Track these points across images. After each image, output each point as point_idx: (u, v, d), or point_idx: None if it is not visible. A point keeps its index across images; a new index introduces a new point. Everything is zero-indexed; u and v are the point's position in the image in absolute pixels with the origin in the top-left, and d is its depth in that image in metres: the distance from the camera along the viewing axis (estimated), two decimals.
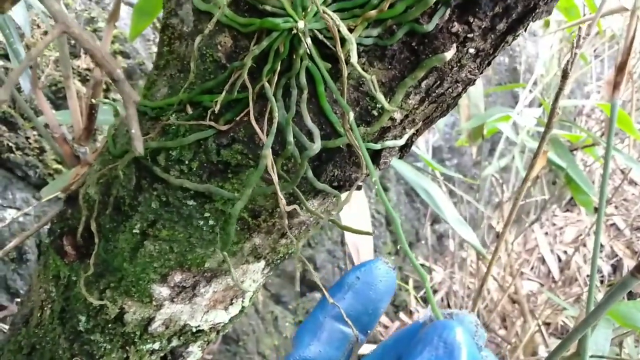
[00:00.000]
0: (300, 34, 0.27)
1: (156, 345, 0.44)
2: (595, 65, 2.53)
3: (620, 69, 0.71)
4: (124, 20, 1.21)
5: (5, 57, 1.04)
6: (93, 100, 0.44)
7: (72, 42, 1.06)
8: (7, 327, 0.98)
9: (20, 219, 1.11)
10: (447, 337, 0.23)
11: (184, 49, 0.34)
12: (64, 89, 1.11)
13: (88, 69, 1.18)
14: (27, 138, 1.11)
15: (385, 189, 1.83)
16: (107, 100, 0.45)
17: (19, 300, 1.07)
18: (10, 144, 1.09)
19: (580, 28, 0.46)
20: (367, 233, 0.29)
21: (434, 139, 2.04)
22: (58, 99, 1.11)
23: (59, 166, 1.13)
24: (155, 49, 1.33)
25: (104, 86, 1.15)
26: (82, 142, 0.56)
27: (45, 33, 1.12)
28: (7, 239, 1.07)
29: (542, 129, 1.20)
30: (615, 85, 0.71)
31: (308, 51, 0.28)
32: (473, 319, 0.25)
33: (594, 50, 2.38)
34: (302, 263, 1.45)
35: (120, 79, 0.23)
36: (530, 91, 1.73)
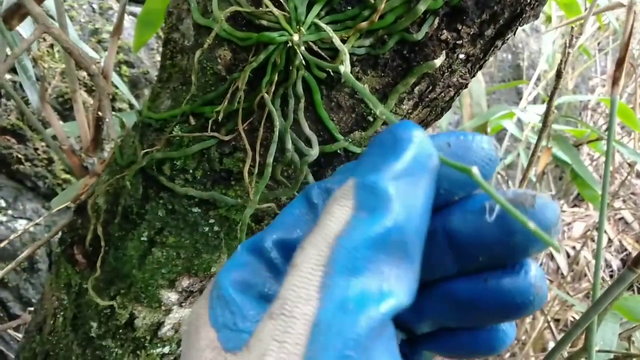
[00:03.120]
0: (295, 47, 0.28)
1: (166, 349, 0.46)
2: (600, 59, 2.52)
3: (619, 64, 0.72)
4: (127, 31, 1.23)
5: (14, 70, 1.07)
6: (99, 113, 0.46)
7: None
8: (20, 335, 1.00)
9: (31, 229, 1.13)
10: (397, 132, 0.19)
11: (185, 62, 0.36)
12: (71, 101, 1.13)
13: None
14: (36, 149, 1.13)
15: None
16: (112, 113, 0.46)
17: (31, 309, 1.09)
18: (20, 156, 1.11)
19: (572, 28, 0.47)
20: None
21: None
22: (65, 110, 1.13)
23: (68, 176, 1.15)
24: (159, 58, 1.35)
25: (110, 96, 1.16)
26: (90, 153, 0.58)
27: (51, 46, 1.15)
28: (18, 249, 1.09)
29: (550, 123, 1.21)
30: (615, 81, 0.71)
31: (303, 62, 0.29)
32: (557, 208, 0.19)
33: (598, 44, 2.37)
34: None
35: (95, 73, 0.25)
36: (535, 86, 1.73)
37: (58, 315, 0.49)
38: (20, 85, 0.97)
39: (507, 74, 2.47)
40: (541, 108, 1.46)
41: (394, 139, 0.19)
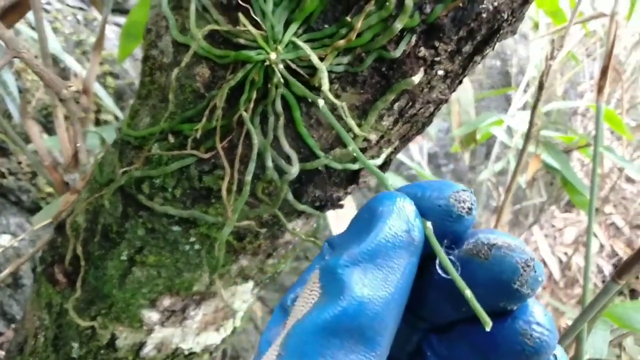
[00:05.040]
0: (273, 65, 0.28)
1: None
2: (588, 64, 2.54)
3: (603, 73, 0.73)
4: (112, 42, 1.22)
5: None
6: (80, 130, 0.45)
7: (62, 65, 1.07)
8: (3, 353, 0.98)
9: (15, 243, 1.12)
10: (373, 207, 0.19)
11: (164, 79, 0.35)
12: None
13: (77, 91, 1.19)
14: (19, 163, 1.12)
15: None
16: (93, 130, 0.46)
17: (14, 326, 1.07)
18: (3, 170, 1.10)
19: (553, 40, 0.47)
20: None
21: (428, 146, 2.05)
22: (49, 123, 1.11)
23: (52, 190, 1.14)
24: None
25: (95, 107, 1.16)
26: (71, 169, 0.57)
27: (35, 57, 1.14)
28: (1, 265, 1.07)
29: (536, 132, 1.21)
30: (599, 89, 0.72)
31: (282, 80, 0.29)
32: (520, 257, 0.18)
33: (586, 50, 2.40)
34: (298, 275, 1.45)
35: (67, 98, 0.24)
36: (524, 92, 1.74)
37: (39, 335, 0.48)
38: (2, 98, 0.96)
39: (496, 80, 2.48)
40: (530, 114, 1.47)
41: (370, 215, 0.19)
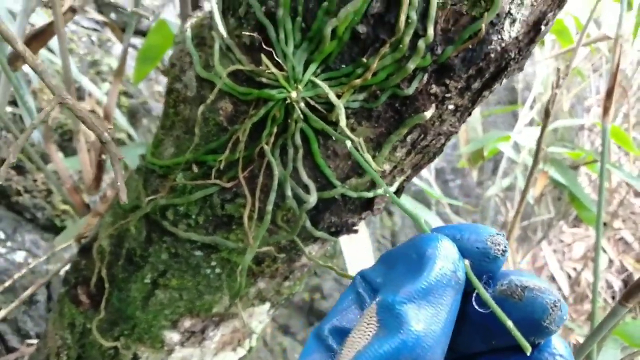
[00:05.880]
0: (294, 103, 0.30)
1: None
2: (594, 79, 2.56)
3: (609, 94, 0.74)
4: (127, 62, 1.25)
5: (13, 103, 1.08)
6: (102, 156, 0.47)
7: (77, 85, 1.10)
8: None
9: (29, 259, 1.13)
10: (422, 247, 0.21)
11: (188, 112, 0.37)
12: (70, 132, 1.15)
13: (92, 111, 1.22)
14: (35, 181, 1.14)
15: (390, 213, 1.85)
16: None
17: (29, 341, 1.09)
18: (19, 188, 1.12)
19: (559, 70, 0.49)
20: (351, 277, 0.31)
21: (436, 161, 2.06)
22: (64, 142, 1.14)
23: (67, 207, 1.16)
24: (157, 88, 1.37)
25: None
26: (92, 191, 0.59)
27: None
28: (17, 281, 1.09)
29: (544, 148, 1.22)
30: (605, 110, 0.73)
31: (301, 116, 0.31)
32: (550, 299, 0.20)
33: (592, 65, 2.41)
34: (309, 292, 1.46)
35: (108, 140, 0.26)
36: (531, 108, 1.76)
37: (62, 355, 0.49)
38: (20, 117, 0.99)
39: (503, 96, 2.50)
40: (537, 131, 1.48)
41: (418, 256, 0.20)
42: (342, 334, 0.23)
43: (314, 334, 0.23)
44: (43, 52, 0.96)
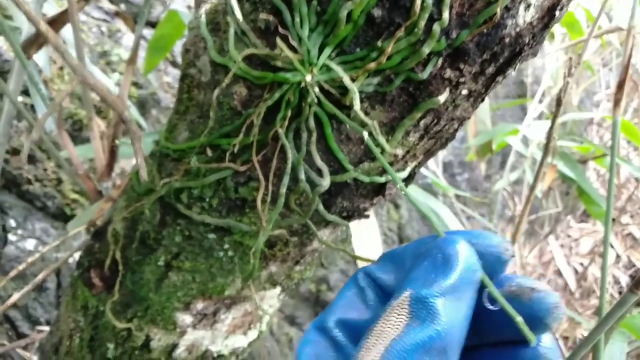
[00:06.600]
0: (308, 86, 0.30)
1: None
2: (604, 73, 2.53)
3: (620, 86, 0.74)
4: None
5: (26, 93, 1.09)
6: (117, 142, 0.48)
7: None
8: (29, 354, 1.01)
9: (40, 247, 1.15)
10: (446, 249, 0.23)
11: (202, 97, 0.38)
12: (80, 122, 1.16)
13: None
14: (45, 170, 1.15)
15: (397, 206, 1.85)
16: (124, 140, 0.48)
17: (40, 328, 1.10)
18: (30, 176, 1.13)
19: (571, 58, 0.49)
20: (372, 261, 0.32)
21: (443, 155, 2.06)
22: (74, 131, 1.15)
23: (77, 196, 1.17)
24: (166, 79, 1.38)
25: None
26: (104, 178, 0.60)
27: (61, 68, 1.18)
28: (28, 269, 1.10)
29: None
30: (616, 102, 0.73)
31: (315, 100, 0.31)
32: (553, 300, 0.23)
33: (602, 59, 2.39)
34: (315, 284, 1.47)
35: (128, 119, 0.27)
36: (540, 102, 1.75)
37: (74, 337, 0.50)
38: (32, 106, 1.00)
39: (511, 90, 2.48)
40: (545, 124, 1.47)
41: (443, 256, 0.23)
42: (348, 326, 0.25)
43: (315, 326, 0.26)
44: None
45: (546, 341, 0.24)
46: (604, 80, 2.68)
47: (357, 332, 0.25)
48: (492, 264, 0.24)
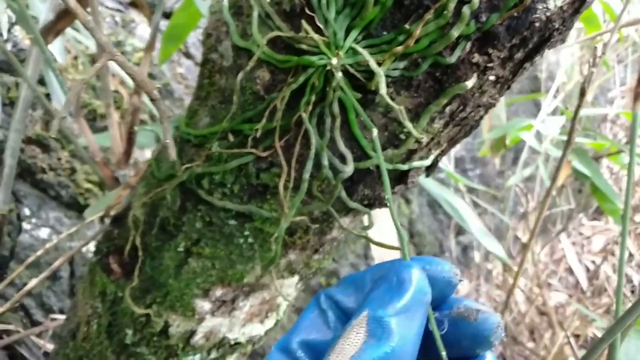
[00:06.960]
0: (333, 70, 0.30)
1: (197, 357, 0.47)
2: (619, 70, 2.50)
3: None
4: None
5: (41, 82, 1.10)
6: (135, 128, 0.48)
7: None
8: (42, 342, 1.02)
9: (53, 236, 1.16)
10: (401, 273, 0.26)
11: (224, 82, 0.37)
12: (94, 111, 1.16)
13: (116, 91, 1.23)
14: (59, 159, 1.16)
15: (408, 201, 1.84)
16: (148, 128, 0.48)
17: (53, 316, 1.11)
18: (44, 166, 1.14)
19: (595, 48, 0.48)
20: (397, 248, 0.32)
21: (456, 150, 2.04)
22: (89, 121, 1.15)
23: (90, 186, 1.18)
24: (179, 70, 1.38)
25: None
26: (122, 165, 0.60)
27: (75, 58, 1.18)
28: (41, 257, 1.11)
29: (565, 137, 1.21)
30: (636, 96, 0.72)
31: (340, 84, 0.31)
32: (496, 320, 0.26)
33: (617, 56, 2.35)
34: (326, 277, 1.47)
35: (157, 98, 0.27)
36: (554, 97, 1.73)
37: (92, 323, 0.51)
38: (47, 95, 1.01)
39: (525, 85, 2.46)
40: (560, 120, 1.46)
41: (398, 279, 0.26)
42: (311, 346, 0.27)
43: (279, 347, 0.27)
44: (69, 31, 0.98)
45: (489, 358, 0.27)
46: (618, 77, 2.64)
47: (319, 352, 0.27)
48: (444, 287, 0.27)
